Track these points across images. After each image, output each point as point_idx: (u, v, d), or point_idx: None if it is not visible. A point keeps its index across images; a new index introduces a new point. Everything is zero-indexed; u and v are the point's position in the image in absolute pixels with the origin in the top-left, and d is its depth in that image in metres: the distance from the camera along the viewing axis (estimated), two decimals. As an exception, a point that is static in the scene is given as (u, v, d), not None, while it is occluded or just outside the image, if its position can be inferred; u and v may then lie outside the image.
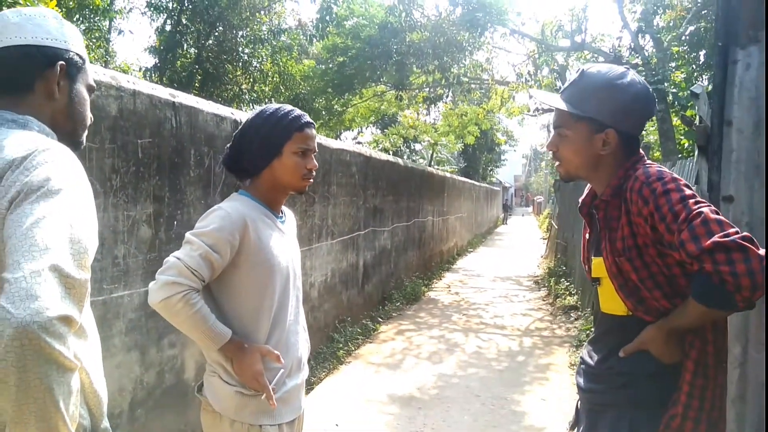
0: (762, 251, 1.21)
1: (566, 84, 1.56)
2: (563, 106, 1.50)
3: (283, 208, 1.84)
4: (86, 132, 1.22)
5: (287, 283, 1.71)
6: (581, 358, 1.67)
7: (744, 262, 1.18)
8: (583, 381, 1.60)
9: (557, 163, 1.59)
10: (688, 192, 1.33)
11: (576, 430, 1.68)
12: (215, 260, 1.55)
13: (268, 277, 1.63)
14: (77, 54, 1.15)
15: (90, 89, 1.21)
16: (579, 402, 1.68)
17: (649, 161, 1.51)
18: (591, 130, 1.48)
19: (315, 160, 1.74)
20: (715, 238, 1.21)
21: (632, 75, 1.50)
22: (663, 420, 1.37)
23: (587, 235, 1.64)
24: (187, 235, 1.59)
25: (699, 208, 1.27)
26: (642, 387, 1.43)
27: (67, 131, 1.15)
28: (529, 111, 15.87)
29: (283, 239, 1.74)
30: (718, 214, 1.27)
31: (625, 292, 1.44)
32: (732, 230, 1.22)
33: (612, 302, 1.50)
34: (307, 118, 1.74)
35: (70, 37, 1.14)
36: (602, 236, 1.50)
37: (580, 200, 1.69)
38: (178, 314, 1.52)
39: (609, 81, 1.47)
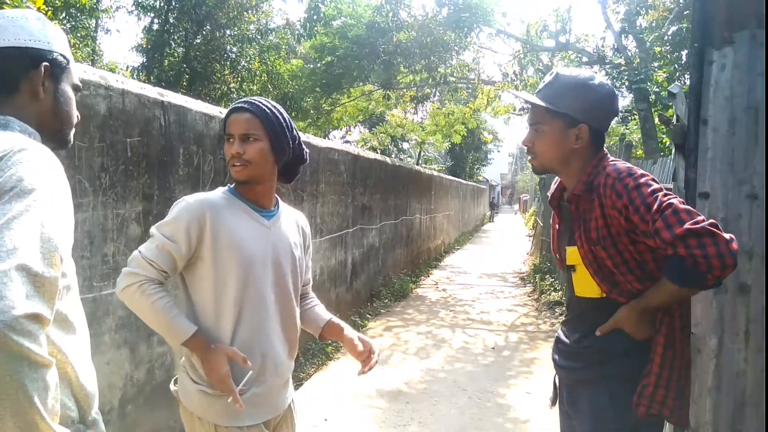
0: (727, 235, 1.37)
1: (542, 85, 1.70)
2: (541, 102, 1.64)
3: (285, 207, 1.80)
4: (73, 130, 1.23)
5: (262, 279, 1.63)
6: (557, 337, 1.83)
7: (714, 245, 1.34)
8: (561, 359, 1.76)
9: (532, 157, 1.72)
10: (656, 186, 1.49)
11: (557, 403, 1.87)
12: (172, 249, 1.53)
13: (231, 268, 1.58)
14: (61, 54, 1.16)
15: (75, 88, 1.22)
16: (556, 378, 1.85)
17: (612, 159, 1.66)
18: (565, 126, 1.63)
19: (244, 147, 1.59)
20: (687, 225, 1.36)
21: (600, 77, 1.69)
22: (637, 389, 1.53)
23: (557, 226, 1.79)
24: (151, 228, 1.60)
25: (669, 199, 1.43)
26: (617, 362, 1.58)
27: (53, 130, 1.16)
28: (514, 110, 15.98)
29: (263, 233, 1.66)
30: (684, 204, 1.43)
31: (600, 276, 1.58)
32: (700, 218, 1.38)
33: (586, 287, 1.64)
34: (237, 104, 1.65)
35: (53, 38, 1.15)
36: (575, 227, 1.63)
37: (549, 193, 1.84)
38: (136, 304, 1.53)
39: (581, 81, 1.63)
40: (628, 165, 1.58)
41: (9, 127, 1.05)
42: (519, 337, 6.15)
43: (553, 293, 7.91)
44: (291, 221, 1.80)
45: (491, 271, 11.41)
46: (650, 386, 1.52)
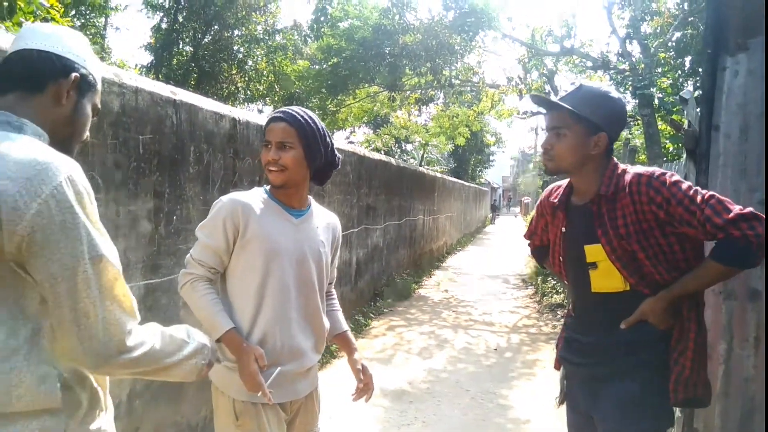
0: None
1: (564, 94, 1.79)
2: (568, 106, 1.71)
3: (318, 208, 1.93)
4: (77, 147, 1.26)
5: (286, 272, 1.75)
6: (567, 337, 1.92)
7: (762, 226, 1.52)
8: (579, 357, 1.84)
9: (547, 159, 1.79)
10: (687, 182, 1.64)
11: (566, 402, 1.94)
12: (212, 245, 1.71)
13: (256, 259, 1.71)
14: (92, 75, 1.22)
15: (95, 109, 1.26)
16: (567, 377, 1.93)
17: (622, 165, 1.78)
18: (587, 132, 1.71)
19: (280, 154, 1.72)
20: (737, 211, 1.53)
21: (616, 92, 1.83)
22: (672, 376, 1.65)
23: (564, 229, 1.85)
24: (195, 230, 1.79)
25: (708, 192, 1.60)
26: (647, 352, 1.69)
27: (62, 138, 1.18)
28: (518, 113, 15.99)
29: (290, 230, 1.78)
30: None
31: (629, 270, 1.68)
32: (740, 206, 1.56)
33: (609, 281, 1.72)
34: (276, 113, 1.79)
35: (88, 58, 1.22)
36: (597, 226, 1.72)
37: (554, 199, 1.90)
38: (188, 299, 1.72)
39: (604, 93, 1.75)
40: (652, 167, 1.73)
41: (23, 130, 1.08)
42: (521, 339, 6.16)
43: (555, 296, 7.92)
44: (322, 221, 1.91)
45: (493, 272, 11.42)
46: (687, 370, 1.63)
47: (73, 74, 1.17)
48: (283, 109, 1.80)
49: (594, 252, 1.72)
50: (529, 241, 2.20)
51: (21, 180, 0.98)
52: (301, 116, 1.75)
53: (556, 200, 1.88)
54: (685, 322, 1.66)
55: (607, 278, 1.71)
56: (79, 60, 1.19)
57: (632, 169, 1.72)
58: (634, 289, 1.68)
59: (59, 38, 1.18)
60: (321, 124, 1.81)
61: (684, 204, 1.57)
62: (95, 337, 1.05)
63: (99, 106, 1.28)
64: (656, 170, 1.68)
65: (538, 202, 2.06)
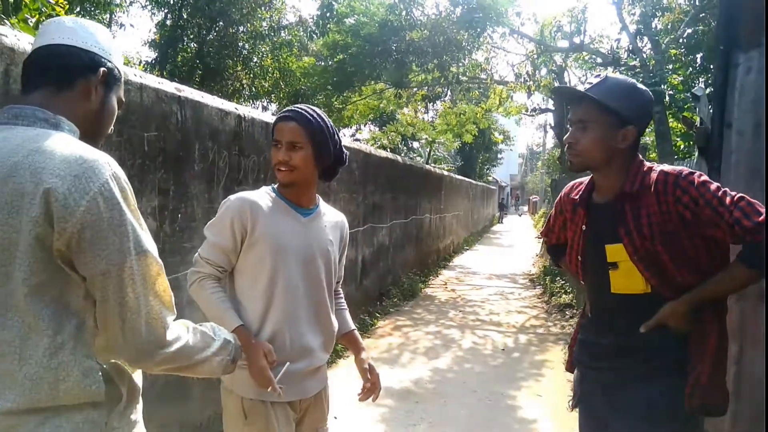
0: None
1: (589, 85, 1.68)
2: (598, 97, 1.62)
3: (326, 207, 1.93)
4: (102, 141, 1.27)
5: (294, 271, 1.75)
6: (582, 339, 1.86)
7: None
8: (594, 359, 1.78)
9: (572, 154, 1.71)
10: (715, 183, 1.59)
11: (579, 406, 1.87)
12: (220, 244, 1.73)
13: (264, 258, 1.72)
14: (117, 68, 1.23)
15: (120, 103, 1.27)
16: (581, 380, 1.86)
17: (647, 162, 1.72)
18: (614, 125, 1.64)
19: (290, 154, 1.72)
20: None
21: (641, 84, 1.73)
22: (689, 380, 1.58)
23: (584, 227, 1.78)
24: (204, 230, 1.80)
25: (737, 193, 1.55)
26: (667, 356, 1.64)
27: (90, 133, 1.20)
28: (526, 111, 15.91)
29: (298, 229, 1.79)
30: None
31: (651, 271, 1.61)
32: None
33: (629, 283, 1.65)
34: (285, 112, 1.77)
35: (114, 51, 1.23)
36: (619, 224, 1.65)
37: (575, 196, 1.83)
38: (197, 297, 1.73)
39: (631, 84, 1.67)
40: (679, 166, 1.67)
41: (60, 127, 1.10)
42: (528, 339, 6.12)
43: (563, 295, 7.86)
44: (330, 220, 1.92)
45: (500, 272, 11.37)
46: (705, 375, 1.57)
47: (101, 69, 1.18)
48: (292, 107, 1.79)
49: (615, 252, 1.67)
50: (545, 239, 2.14)
51: (69, 178, 1.00)
52: (311, 115, 1.74)
53: (577, 197, 1.81)
54: (706, 326, 1.60)
55: (627, 279, 1.66)
56: (105, 54, 1.20)
57: (658, 167, 1.66)
58: (655, 291, 1.62)
59: (85, 32, 1.18)
60: (329, 122, 1.80)
61: (712, 205, 1.53)
62: (138, 332, 1.08)
63: (123, 98, 1.29)
64: (684, 169, 1.62)
65: (557, 199, 1.99)
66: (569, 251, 1.86)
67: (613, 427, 1.71)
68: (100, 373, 1.08)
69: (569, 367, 1.99)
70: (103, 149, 2.40)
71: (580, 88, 1.73)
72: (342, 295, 2.08)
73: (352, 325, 2.05)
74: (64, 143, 1.06)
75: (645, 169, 1.66)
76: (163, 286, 1.14)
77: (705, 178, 1.59)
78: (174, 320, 1.18)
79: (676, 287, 1.61)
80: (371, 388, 1.92)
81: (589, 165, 1.70)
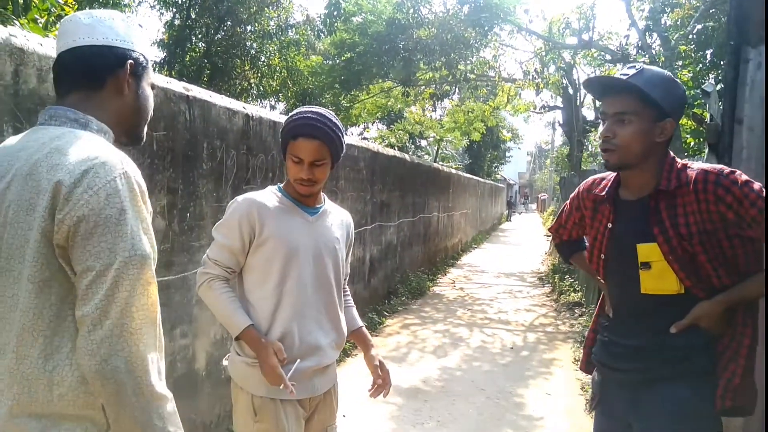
0: None
1: (626, 77, 1.58)
2: (641, 87, 1.55)
3: (331, 205, 1.94)
4: (146, 127, 1.28)
5: (303, 269, 1.77)
6: (604, 339, 1.78)
7: None
8: (619, 361, 1.71)
9: (610, 150, 1.62)
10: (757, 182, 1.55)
11: (598, 407, 1.83)
12: (228, 245, 1.74)
13: (274, 258, 1.73)
14: (142, 54, 1.22)
15: (152, 87, 1.28)
16: (600, 381, 1.81)
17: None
18: (654, 118, 1.57)
19: (313, 171, 1.72)
20: None
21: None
22: (721, 382, 1.55)
23: (609, 225, 1.70)
24: (212, 231, 1.82)
25: None
26: (699, 357, 1.59)
27: (131, 125, 1.22)
28: (535, 108, 15.84)
29: (306, 228, 1.80)
30: None
31: (687, 271, 1.56)
32: None
33: (662, 283, 1.59)
34: (307, 127, 1.71)
35: (136, 38, 1.22)
36: (653, 223, 1.59)
37: (600, 192, 1.75)
38: (206, 299, 1.74)
39: (669, 76, 1.60)
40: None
41: (88, 127, 1.11)
42: (537, 338, 6.10)
43: (572, 294, 7.82)
44: (336, 218, 1.93)
45: (509, 270, 11.34)
46: (737, 377, 1.54)
47: (128, 62, 1.18)
48: (310, 116, 1.72)
49: (648, 251, 1.60)
50: (552, 235, 2.08)
51: (77, 173, 1.00)
52: (332, 130, 1.72)
53: (603, 193, 1.73)
54: (739, 327, 1.56)
55: (660, 280, 1.59)
56: (128, 45, 1.19)
57: (695, 165, 1.60)
58: (688, 291, 1.57)
59: (103, 26, 1.17)
60: (342, 127, 1.80)
61: (758, 205, 1.47)
62: (105, 341, 0.98)
63: (154, 81, 1.29)
64: (724, 168, 1.56)
65: (573, 194, 1.92)
66: (590, 249, 1.80)
67: (636, 429, 1.67)
68: None
69: (584, 368, 1.95)
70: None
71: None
72: (349, 293, 2.08)
73: (361, 322, 2.06)
74: (85, 141, 1.06)
75: (679, 165, 1.60)
76: (152, 299, 1.06)
77: (747, 177, 1.54)
78: (156, 335, 1.07)
79: (710, 288, 1.56)
80: (382, 384, 1.92)
81: (627, 161, 1.61)
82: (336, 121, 1.77)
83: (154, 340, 1.06)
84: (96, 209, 0.99)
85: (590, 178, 1.86)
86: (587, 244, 1.85)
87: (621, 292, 1.72)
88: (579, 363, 2.02)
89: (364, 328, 2.05)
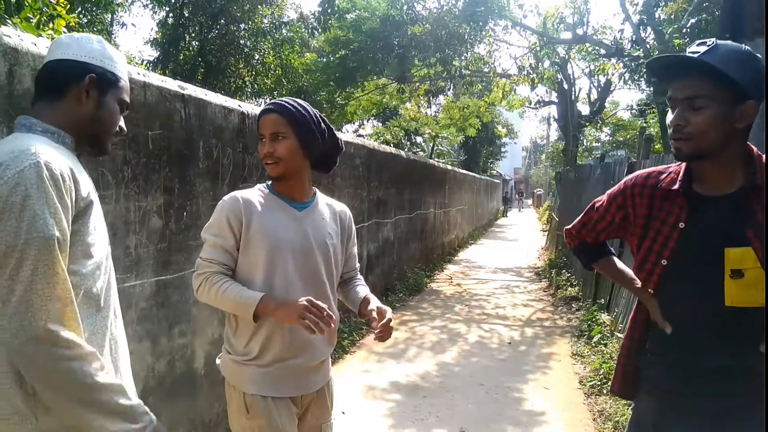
0: None
1: (696, 54, 1.36)
2: (716, 65, 1.33)
3: (324, 198, 1.91)
4: (111, 141, 1.37)
5: (291, 265, 1.73)
6: (666, 361, 1.53)
7: None
8: (690, 385, 1.48)
9: (682, 139, 1.40)
10: None
11: None
12: (221, 243, 1.72)
13: (259, 254, 1.71)
14: (111, 72, 1.33)
15: (121, 104, 1.36)
16: (660, 409, 1.54)
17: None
18: (732, 101, 1.35)
19: (274, 146, 1.70)
20: None
21: None
22: None
23: (683, 224, 1.46)
24: (201, 234, 1.80)
25: None
26: None
27: (90, 134, 1.31)
28: (530, 104, 15.86)
29: (293, 223, 1.77)
30: None
31: None
32: None
33: (752, 293, 1.38)
34: (267, 106, 1.78)
35: (106, 58, 1.33)
36: (747, 224, 1.39)
37: (666, 186, 1.51)
38: (209, 297, 1.70)
39: (747, 50, 1.38)
40: None
41: (32, 129, 1.22)
42: (535, 333, 6.12)
43: (569, 288, 7.85)
44: (328, 212, 1.90)
45: (506, 265, 11.36)
46: None
47: (89, 75, 1.28)
48: (274, 100, 1.80)
49: (741, 256, 1.37)
50: (566, 236, 1.84)
51: None
52: (291, 105, 1.73)
53: (676, 187, 1.47)
54: None
55: (751, 290, 1.37)
56: (95, 61, 1.30)
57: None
58: None
59: (78, 44, 1.30)
60: (313, 111, 1.78)
61: None
62: (13, 317, 1.05)
63: (127, 100, 1.37)
64: None
65: (615, 190, 1.65)
66: (644, 253, 1.53)
67: None
68: (17, 383, 1.09)
69: (620, 391, 1.68)
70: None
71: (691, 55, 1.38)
72: (360, 279, 2.06)
73: (366, 292, 1.97)
74: (16, 141, 1.15)
75: (759, 155, 1.40)
76: (58, 277, 1.09)
77: None
78: (72, 318, 1.12)
79: None
80: (384, 324, 1.77)
81: (703, 151, 1.39)
82: (303, 104, 1.76)
83: (62, 317, 1.10)
84: (3, 197, 1.06)
85: (641, 171, 1.61)
86: (634, 248, 1.60)
87: (695, 303, 1.45)
88: (611, 385, 1.73)
89: (369, 294, 1.95)
